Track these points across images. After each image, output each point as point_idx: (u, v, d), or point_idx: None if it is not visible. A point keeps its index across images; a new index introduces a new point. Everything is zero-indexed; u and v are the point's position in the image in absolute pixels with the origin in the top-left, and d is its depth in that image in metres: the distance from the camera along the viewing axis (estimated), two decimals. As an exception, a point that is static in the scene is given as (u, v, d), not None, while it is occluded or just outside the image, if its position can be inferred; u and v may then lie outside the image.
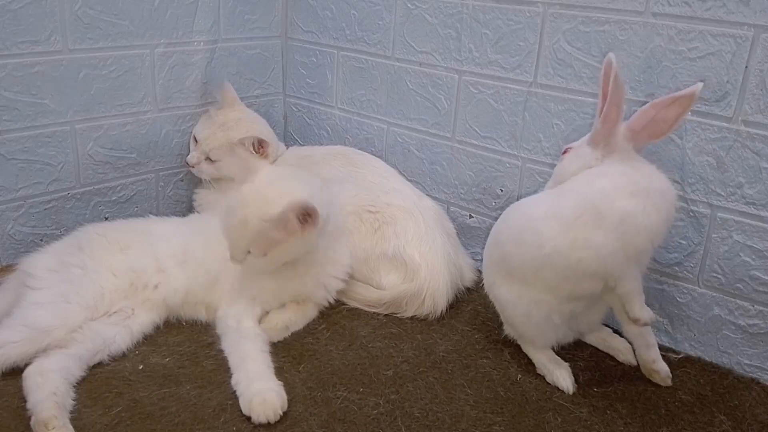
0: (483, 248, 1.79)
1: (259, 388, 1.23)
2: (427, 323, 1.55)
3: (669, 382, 1.35)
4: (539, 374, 1.37)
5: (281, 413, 1.21)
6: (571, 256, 1.22)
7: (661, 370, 1.35)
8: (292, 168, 1.53)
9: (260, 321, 1.44)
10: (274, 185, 1.39)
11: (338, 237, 1.54)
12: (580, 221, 1.21)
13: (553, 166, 1.62)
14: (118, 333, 1.37)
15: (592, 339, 1.46)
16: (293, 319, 1.48)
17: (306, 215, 1.34)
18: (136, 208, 1.91)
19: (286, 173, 1.49)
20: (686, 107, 1.24)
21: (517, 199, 1.69)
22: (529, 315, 1.33)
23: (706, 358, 1.46)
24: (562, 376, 1.34)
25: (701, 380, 1.38)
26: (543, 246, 1.24)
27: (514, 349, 1.44)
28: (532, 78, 1.61)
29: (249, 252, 1.37)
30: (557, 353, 1.39)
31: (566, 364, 1.36)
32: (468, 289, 1.69)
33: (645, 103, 1.44)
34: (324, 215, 1.39)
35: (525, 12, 1.59)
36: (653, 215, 1.22)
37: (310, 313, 1.52)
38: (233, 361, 1.33)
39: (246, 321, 1.41)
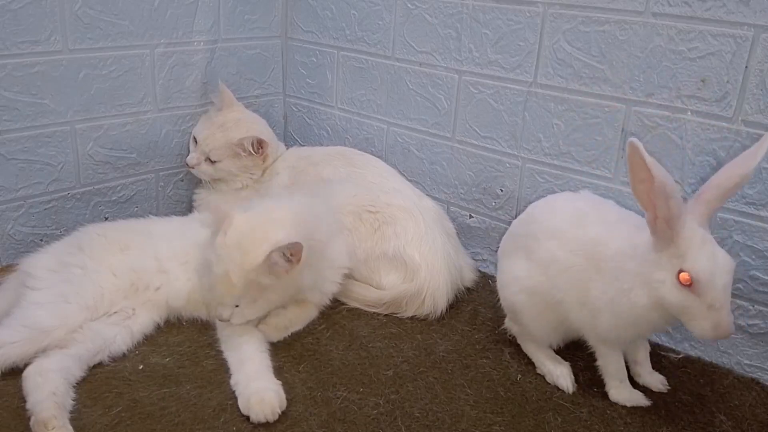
0: (483, 248, 1.80)
1: (258, 388, 1.23)
2: (427, 323, 1.55)
3: (664, 389, 1.34)
4: (539, 374, 1.37)
5: (279, 412, 1.21)
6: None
7: (651, 384, 1.34)
8: (262, 206, 1.44)
9: (260, 321, 1.44)
10: (250, 232, 1.34)
11: (334, 239, 1.53)
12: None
13: (553, 166, 1.62)
14: (119, 333, 1.37)
15: None
16: (293, 319, 1.48)
17: (291, 253, 1.32)
18: (136, 208, 1.91)
19: (258, 216, 1.39)
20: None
21: (517, 200, 1.69)
22: (541, 312, 1.33)
23: (706, 358, 1.46)
24: (562, 375, 1.34)
25: (701, 380, 1.38)
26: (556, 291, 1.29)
27: (514, 349, 1.44)
28: (532, 78, 1.61)
29: (236, 306, 1.35)
30: (558, 352, 1.40)
31: (567, 363, 1.36)
32: (468, 289, 1.69)
33: (645, 103, 1.45)
34: (306, 245, 1.35)
35: (525, 12, 1.59)
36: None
37: (310, 313, 1.52)
38: (233, 362, 1.33)
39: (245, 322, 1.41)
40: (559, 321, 1.31)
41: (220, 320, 1.38)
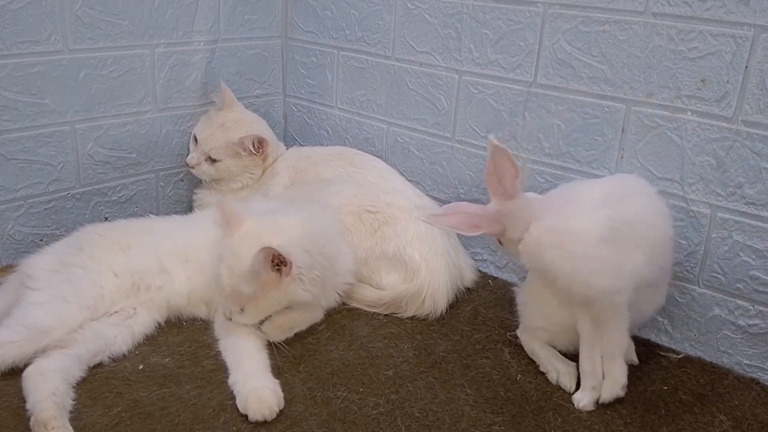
0: (483, 248, 1.80)
1: (255, 386, 1.23)
2: (427, 323, 1.55)
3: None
4: (539, 374, 1.37)
5: (277, 411, 1.21)
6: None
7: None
8: (278, 215, 1.42)
9: (263, 321, 1.43)
10: (248, 238, 1.33)
11: (341, 255, 1.52)
12: None
13: (553, 166, 1.62)
14: (119, 334, 1.37)
15: None
16: (298, 320, 1.47)
17: (281, 263, 1.30)
18: (136, 208, 1.91)
19: (266, 224, 1.38)
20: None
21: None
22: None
23: (706, 358, 1.46)
24: (568, 374, 1.33)
25: (701, 380, 1.38)
26: None
27: (514, 349, 1.44)
28: (532, 78, 1.61)
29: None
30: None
31: (573, 363, 1.36)
32: (468, 289, 1.69)
33: (645, 103, 1.45)
34: (305, 262, 1.34)
35: (525, 12, 1.59)
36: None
37: (316, 315, 1.51)
38: (231, 361, 1.33)
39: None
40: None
41: (225, 317, 1.37)
